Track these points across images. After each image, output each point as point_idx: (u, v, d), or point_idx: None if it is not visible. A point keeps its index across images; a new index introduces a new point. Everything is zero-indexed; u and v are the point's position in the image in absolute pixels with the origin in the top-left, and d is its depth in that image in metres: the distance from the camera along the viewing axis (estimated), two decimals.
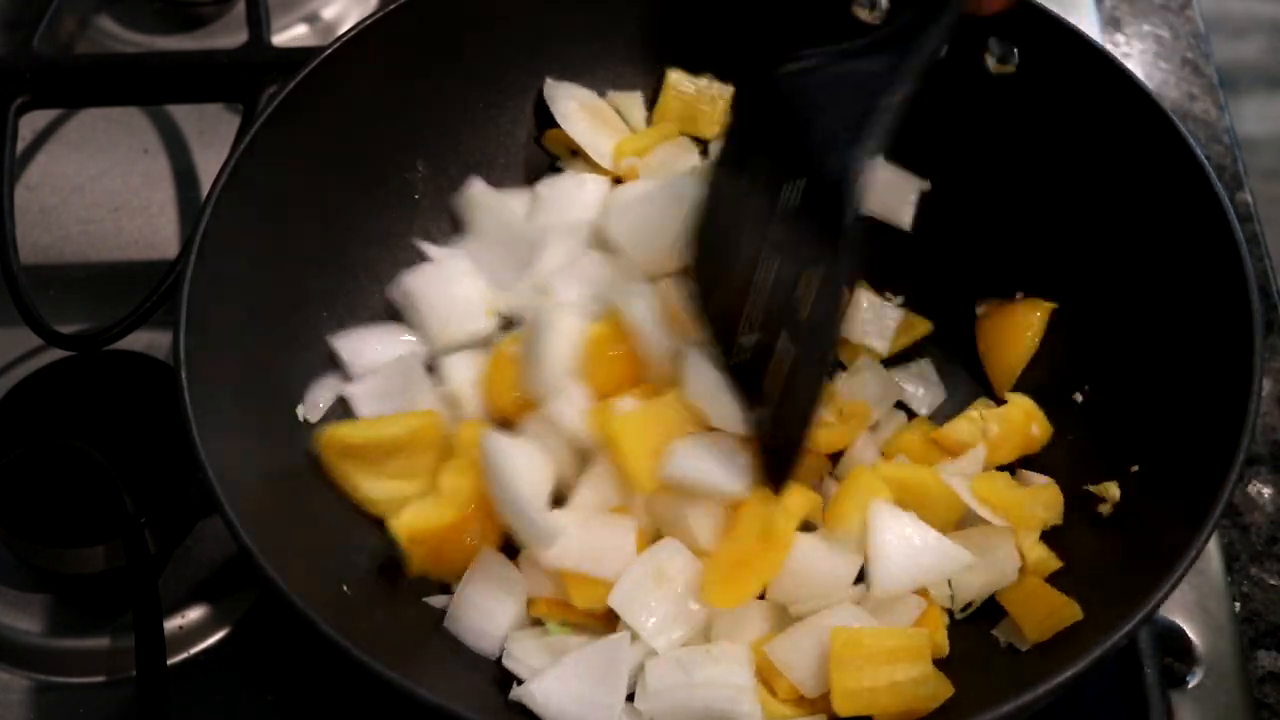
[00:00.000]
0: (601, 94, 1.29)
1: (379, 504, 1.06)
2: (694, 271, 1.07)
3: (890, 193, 1.20)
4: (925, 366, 1.20)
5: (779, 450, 1.03)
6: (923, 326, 1.21)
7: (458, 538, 1.04)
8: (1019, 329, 1.17)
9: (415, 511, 1.03)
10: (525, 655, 1.03)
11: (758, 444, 1.04)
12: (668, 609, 1.02)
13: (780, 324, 1.01)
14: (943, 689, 0.98)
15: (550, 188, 1.24)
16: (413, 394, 1.13)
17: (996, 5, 1.03)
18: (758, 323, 1.03)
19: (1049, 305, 1.17)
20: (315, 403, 1.13)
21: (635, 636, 1.01)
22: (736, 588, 1.02)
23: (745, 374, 1.04)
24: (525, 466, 1.05)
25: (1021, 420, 1.13)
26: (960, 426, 1.13)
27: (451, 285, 1.19)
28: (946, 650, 1.03)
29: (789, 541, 1.02)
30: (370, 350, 1.16)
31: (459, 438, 1.08)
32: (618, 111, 1.28)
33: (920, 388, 1.19)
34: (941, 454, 1.12)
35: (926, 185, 1.22)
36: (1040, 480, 1.11)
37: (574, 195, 1.23)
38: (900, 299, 1.22)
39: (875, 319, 1.20)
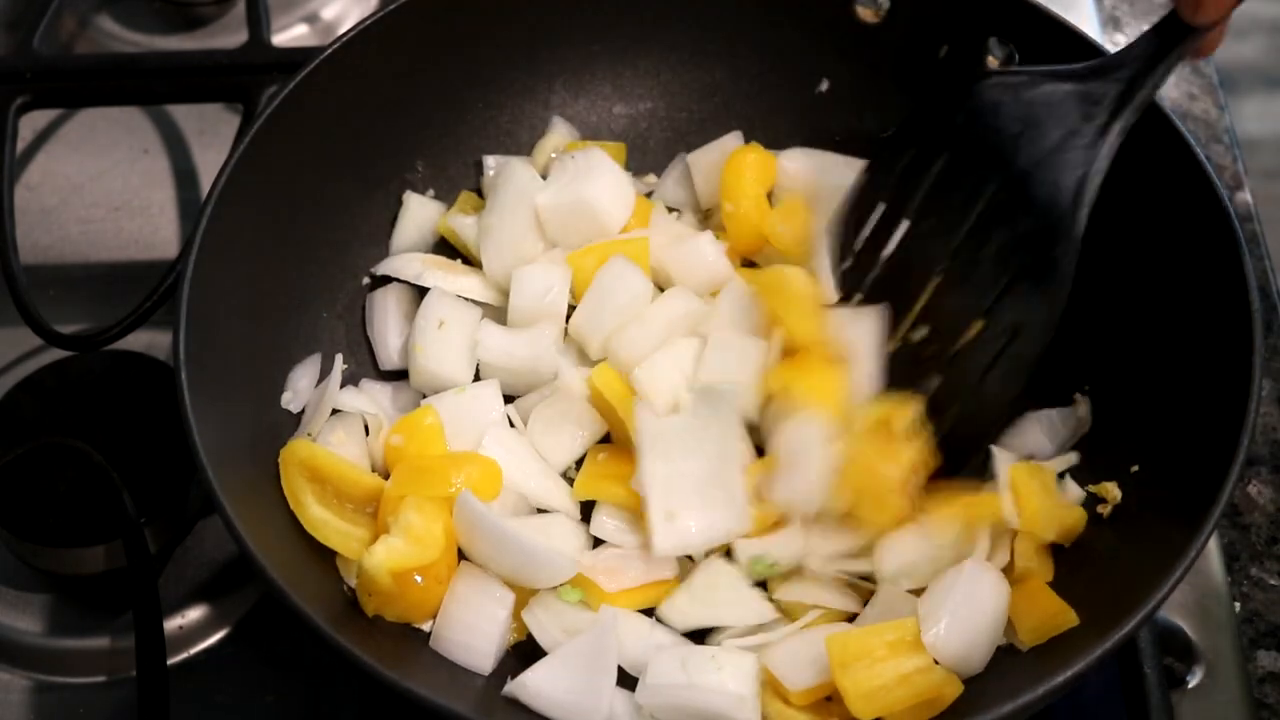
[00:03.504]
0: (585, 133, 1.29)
1: (320, 529, 1.04)
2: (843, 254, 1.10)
3: None
4: None
5: (958, 442, 1.05)
6: None
7: (429, 578, 1.03)
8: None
9: (387, 552, 1.01)
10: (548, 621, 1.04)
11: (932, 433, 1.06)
12: None
13: (955, 329, 1.04)
14: (950, 680, 0.98)
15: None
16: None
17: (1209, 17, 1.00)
18: (934, 319, 1.06)
19: None
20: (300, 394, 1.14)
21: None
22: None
23: (904, 362, 1.07)
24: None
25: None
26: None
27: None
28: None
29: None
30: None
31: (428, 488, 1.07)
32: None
33: None
34: None
35: None
36: (1074, 493, 1.09)
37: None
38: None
39: None
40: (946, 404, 1.06)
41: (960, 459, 1.06)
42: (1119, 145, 1.00)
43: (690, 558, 1.08)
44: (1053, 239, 1.00)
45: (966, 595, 1.00)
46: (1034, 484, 1.06)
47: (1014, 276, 1.02)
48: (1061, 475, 1.10)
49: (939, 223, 1.06)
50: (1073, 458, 1.11)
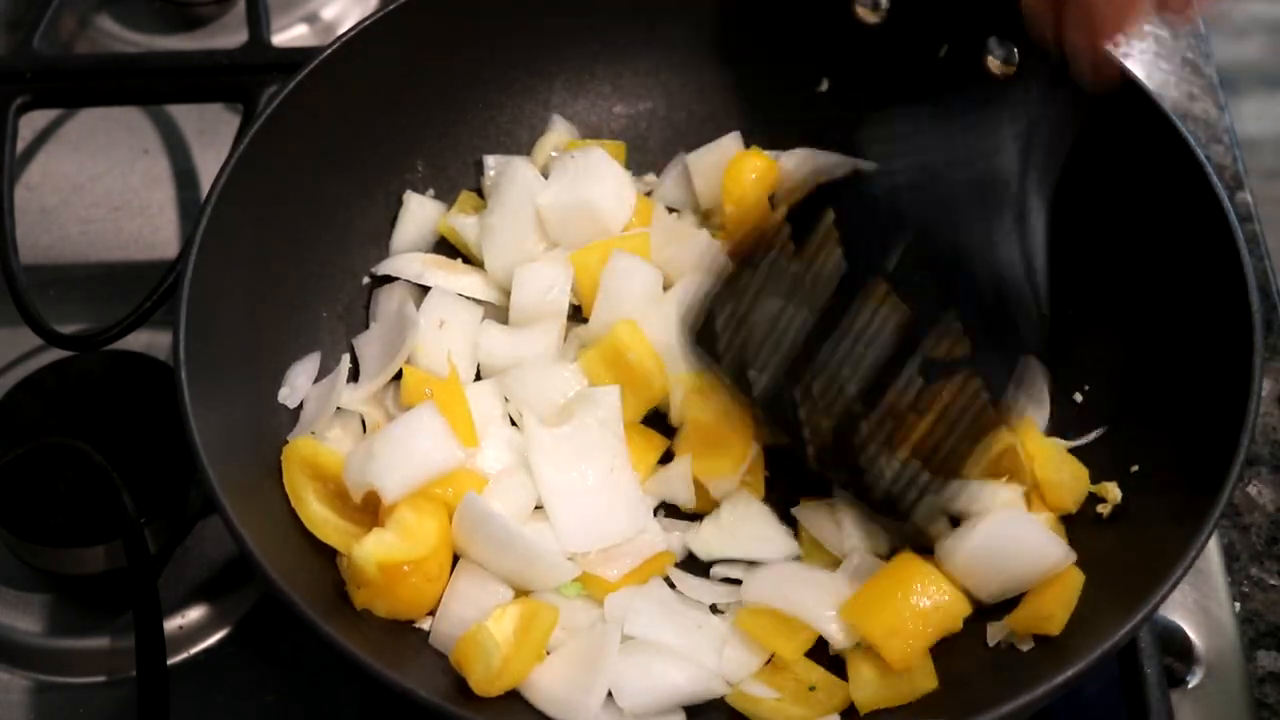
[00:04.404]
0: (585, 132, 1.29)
1: (321, 527, 1.05)
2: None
3: None
4: None
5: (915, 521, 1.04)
6: None
7: (419, 575, 1.03)
8: None
9: (377, 544, 1.01)
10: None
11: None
12: None
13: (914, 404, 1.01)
14: (958, 597, 1.02)
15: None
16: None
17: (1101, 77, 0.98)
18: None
19: None
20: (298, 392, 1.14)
21: None
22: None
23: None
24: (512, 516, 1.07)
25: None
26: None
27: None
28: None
29: None
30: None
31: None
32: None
33: None
34: None
35: None
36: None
37: None
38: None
39: None
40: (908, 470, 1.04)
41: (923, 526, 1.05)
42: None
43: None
44: (1016, 318, 0.99)
45: (995, 520, 1.04)
46: (1039, 435, 1.09)
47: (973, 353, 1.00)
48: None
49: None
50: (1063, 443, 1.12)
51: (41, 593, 1.13)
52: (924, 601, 1.02)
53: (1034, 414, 1.14)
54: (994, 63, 1.18)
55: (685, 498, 1.11)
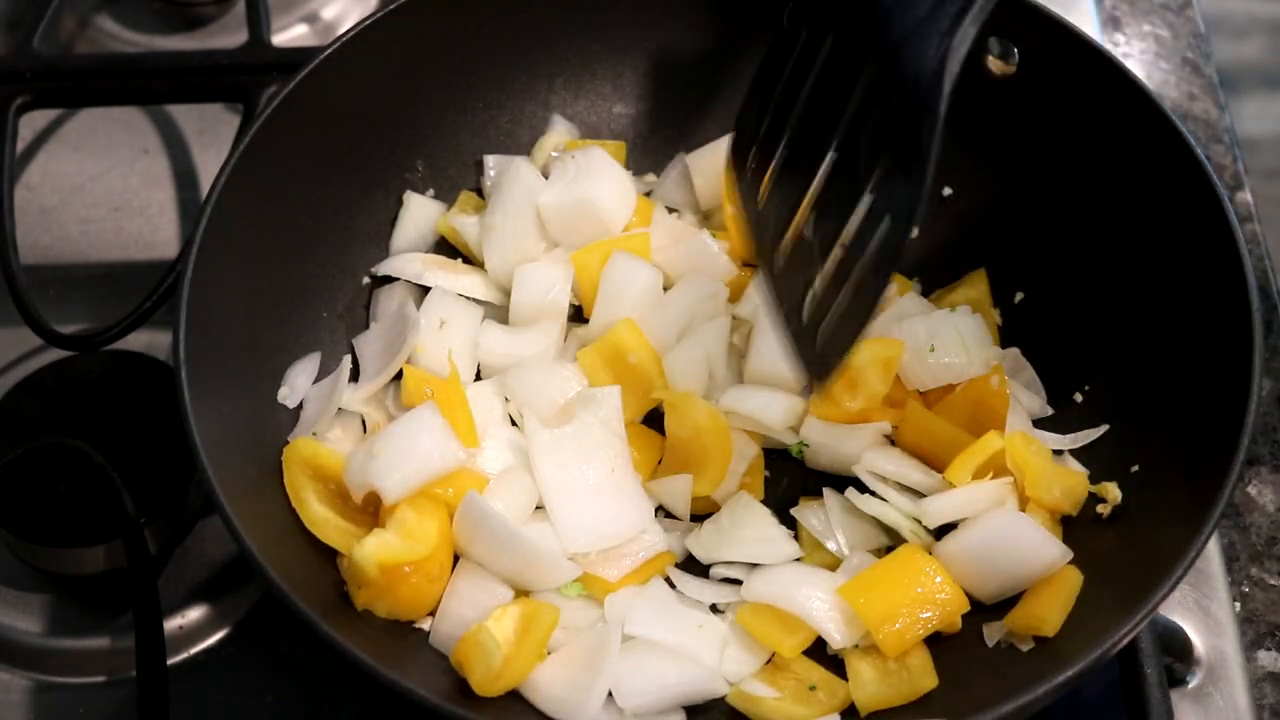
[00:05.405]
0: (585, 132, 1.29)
1: (322, 527, 1.05)
2: (744, 158, 1.05)
3: None
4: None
5: (823, 350, 0.99)
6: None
7: (420, 575, 1.03)
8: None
9: (378, 544, 1.01)
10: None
11: (798, 339, 1.02)
12: None
13: (841, 219, 0.96)
14: (956, 592, 1.02)
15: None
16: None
17: None
18: (816, 217, 0.99)
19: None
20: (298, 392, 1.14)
21: None
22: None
23: (792, 272, 1.02)
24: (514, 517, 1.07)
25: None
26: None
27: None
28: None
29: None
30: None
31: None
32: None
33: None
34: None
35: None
36: (1075, 468, 1.11)
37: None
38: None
39: None
40: (824, 299, 0.99)
41: (831, 358, 0.99)
42: (986, 16, 0.91)
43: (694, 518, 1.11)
44: (917, 116, 0.92)
45: (989, 519, 1.05)
46: (1028, 449, 1.08)
47: (885, 159, 0.95)
48: (1059, 454, 1.11)
49: (826, 111, 0.99)
50: (1064, 440, 1.12)
51: (41, 593, 1.13)
52: (921, 591, 1.02)
53: (1026, 400, 1.14)
54: (994, 62, 1.18)
55: (682, 512, 1.11)
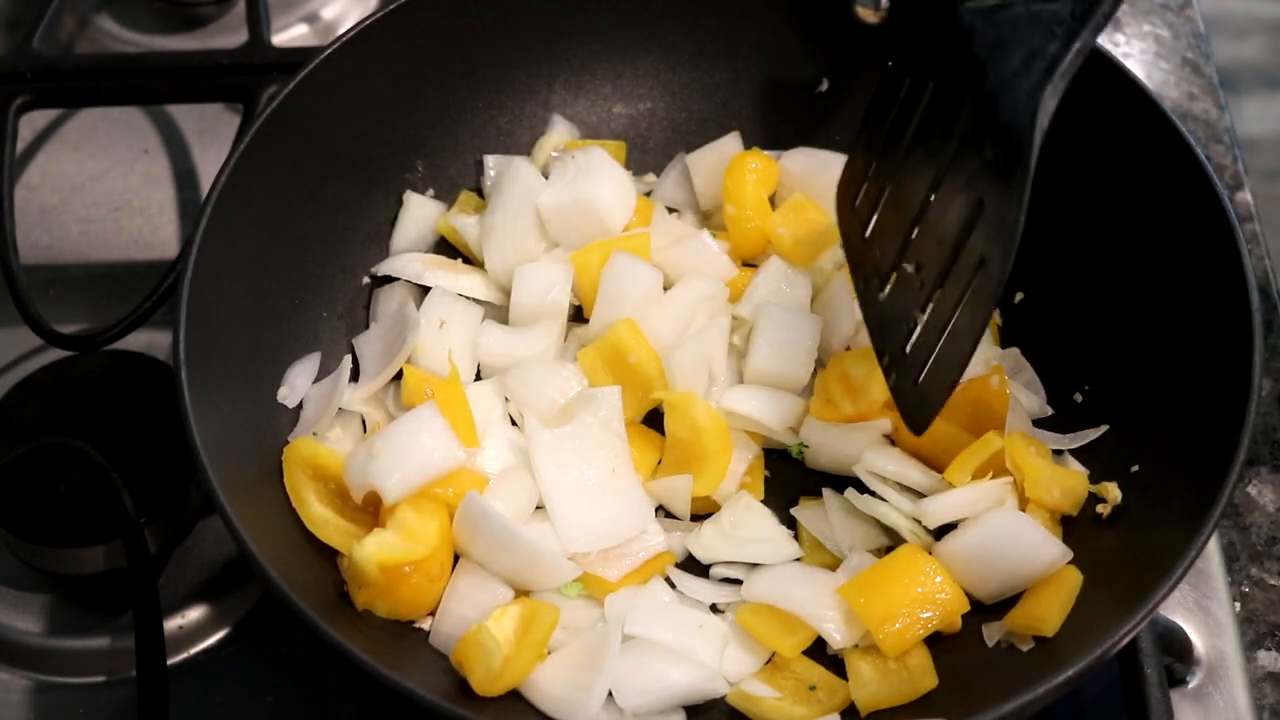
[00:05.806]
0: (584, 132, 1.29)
1: (322, 527, 1.05)
2: (854, 195, 1.10)
3: None
4: None
5: (925, 389, 1.02)
6: None
7: (420, 575, 1.03)
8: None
9: (378, 544, 1.01)
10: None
11: (894, 383, 1.05)
12: None
13: (941, 258, 1.00)
14: (956, 592, 1.02)
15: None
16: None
17: None
18: (916, 256, 1.04)
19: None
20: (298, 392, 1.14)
21: None
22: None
23: (890, 309, 1.06)
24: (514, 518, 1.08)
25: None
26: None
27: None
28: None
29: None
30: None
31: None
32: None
33: None
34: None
35: None
36: (1075, 468, 1.11)
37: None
38: None
39: None
40: (925, 342, 1.02)
41: (933, 399, 1.02)
42: (1079, 65, 0.95)
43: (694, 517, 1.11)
44: (1010, 164, 0.96)
45: (989, 519, 1.05)
46: (1028, 450, 1.08)
47: (981, 204, 0.98)
48: (1059, 454, 1.11)
49: (926, 157, 1.04)
50: (1064, 440, 1.12)
51: (41, 593, 1.14)
52: (921, 591, 1.02)
53: (1026, 400, 1.14)
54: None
55: (682, 512, 1.11)
